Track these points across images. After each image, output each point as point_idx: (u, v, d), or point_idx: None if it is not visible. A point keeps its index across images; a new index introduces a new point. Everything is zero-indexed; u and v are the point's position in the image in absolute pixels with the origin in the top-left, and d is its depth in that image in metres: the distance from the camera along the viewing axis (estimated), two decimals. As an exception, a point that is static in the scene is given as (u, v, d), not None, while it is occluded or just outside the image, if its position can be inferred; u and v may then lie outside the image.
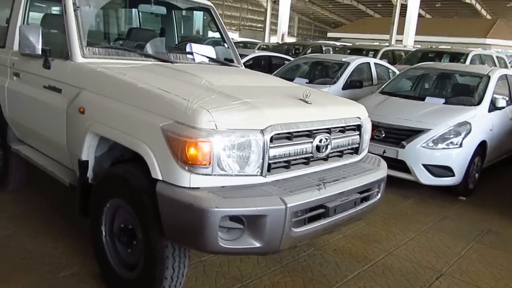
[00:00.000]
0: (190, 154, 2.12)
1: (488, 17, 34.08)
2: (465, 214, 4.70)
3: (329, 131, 2.68)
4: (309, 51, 14.89)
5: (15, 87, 3.57)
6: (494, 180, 6.03)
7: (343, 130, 2.81)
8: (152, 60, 3.28)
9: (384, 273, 3.29)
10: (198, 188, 2.16)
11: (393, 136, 5.04)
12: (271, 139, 2.31)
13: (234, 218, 2.15)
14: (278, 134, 2.35)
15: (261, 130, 2.28)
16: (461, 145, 4.88)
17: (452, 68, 6.68)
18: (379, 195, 2.91)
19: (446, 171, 4.89)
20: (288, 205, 2.18)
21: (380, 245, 3.77)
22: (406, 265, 3.44)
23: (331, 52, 14.82)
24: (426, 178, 4.90)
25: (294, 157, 2.48)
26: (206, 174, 2.16)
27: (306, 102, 2.65)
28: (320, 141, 2.60)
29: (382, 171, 2.94)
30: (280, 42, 20.98)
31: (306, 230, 2.35)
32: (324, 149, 2.64)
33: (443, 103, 5.54)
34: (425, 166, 4.86)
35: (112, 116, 2.54)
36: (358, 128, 2.92)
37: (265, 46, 17.17)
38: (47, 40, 3.12)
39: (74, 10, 3.04)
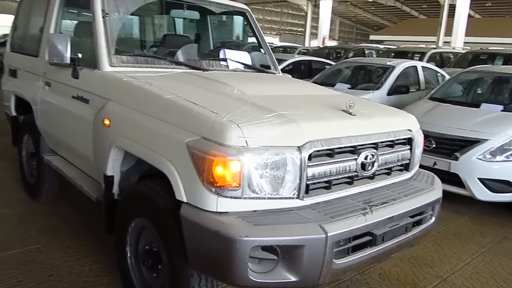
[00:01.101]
0: (217, 174, 1.89)
1: (544, 15, 32.05)
2: (529, 235, 4.21)
3: (376, 146, 2.37)
4: (351, 54, 14.39)
5: (46, 97, 3.48)
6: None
7: (391, 144, 2.49)
8: (183, 68, 3.09)
9: (437, 304, 2.92)
10: (226, 212, 1.92)
11: (445, 146, 4.61)
12: (310, 157, 2.04)
13: (267, 248, 1.89)
14: (318, 151, 2.08)
15: (298, 147, 2.01)
16: (523, 158, 4.39)
17: (510, 71, 6.12)
18: (433, 218, 2.56)
19: (506, 186, 4.40)
20: (329, 234, 1.90)
21: (432, 269, 3.39)
22: (463, 295, 3.05)
23: (374, 56, 14.27)
24: (483, 194, 4.43)
25: (336, 177, 2.19)
26: (235, 197, 1.92)
27: (350, 113, 2.35)
28: (366, 157, 2.30)
29: (436, 191, 2.59)
30: (321, 46, 20.54)
31: (350, 261, 2.05)
32: (370, 167, 2.33)
33: (501, 110, 5.03)
34: (481, 180, 4.40)
35: (136, 130, 2.36)
36: (409, 141, 2.59)
37: (305, 50, 16.82)
38: (78, 48, 3.01)
39: (103, 17, 2.90)
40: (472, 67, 6.87)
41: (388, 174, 2.52)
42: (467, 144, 4.50)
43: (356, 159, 2.26)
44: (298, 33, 38.95)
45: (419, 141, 2.67)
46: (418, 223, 2.46)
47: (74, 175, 3.24)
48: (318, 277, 1.95)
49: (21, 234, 3.60)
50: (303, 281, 1.93)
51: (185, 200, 1.99)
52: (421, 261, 3.51)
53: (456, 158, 4.47)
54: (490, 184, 4.40)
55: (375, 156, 2.34)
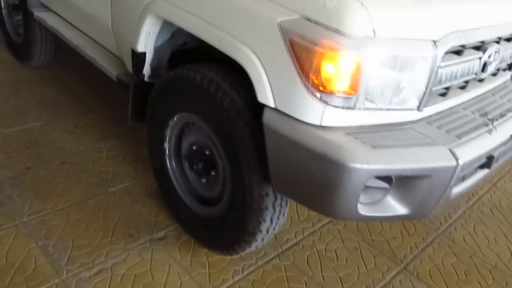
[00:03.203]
0: (328, 74, 1.33)
1: None
2: None
3: (499, 40, 1.81)
4: None
5: None
6: None
7: (510, 38, 1.93)
8: None
9: None
10: (330, 127, 1.42)
11: None
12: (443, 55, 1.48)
13: (381, 176, 1.45)
14: (453, 47, 1.52)
15: (434, 40, 1.44)
16: None
17: None
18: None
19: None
20: (460, 162, 1.45)
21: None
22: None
23: None
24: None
25: (458, 80, 1.68)
26: (347, 108, 1.40)
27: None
28: (490, 56, 1.76)
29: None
30: None
31: (463, 189, 1.66)
32: (490, 67, 1.81)
33: None
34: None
35: None
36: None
37: None
38: None
39: None
40: None
41: (494, 75, 2.01)
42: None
43: (480, 58, 1.73)
44: None
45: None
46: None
47: (82, 44, 2.57)
48: (431, 209, 1.56)
49: (16, 106, 3.03)
50: (413, 214, 1.54)
51: (271, 104, 1.46)
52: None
53: None
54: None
55: (497, 53, 1.81)
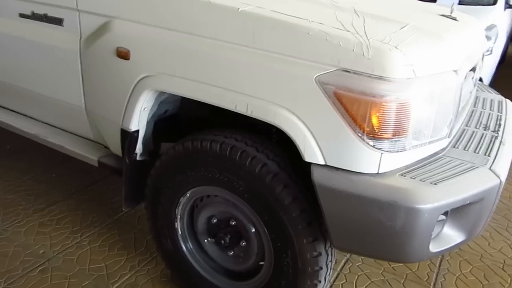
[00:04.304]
0: (381, 121, 1.31)
1: None
2: None
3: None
4: None
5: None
6: None
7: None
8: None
9: None
10: (385, 173, 1.39)
11: None
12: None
13: (442, 210, 1.44)
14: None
15: (455, 70, 1.50)
16: None
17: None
18: None
19: None
20: (502, 179, 1.51)
21: None
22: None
23: None
24: None
25: (464, 101, 1.77)
26: (400, 150, 1.38)
27: (455, 19, 1.87)
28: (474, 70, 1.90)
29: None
30: None
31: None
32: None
33: None
34: None
35: (201, 62, 1.56)
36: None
37: None
38: None
39: None
40: None
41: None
42: None
43: (473, 77, 1.85)
44: None
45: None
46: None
47: (42, 132, 2.28)
48: (481, 229, 1.59)
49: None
50: (468, 238, 1.56)
51: (321, 162, 1.40)
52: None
53: None
54: None
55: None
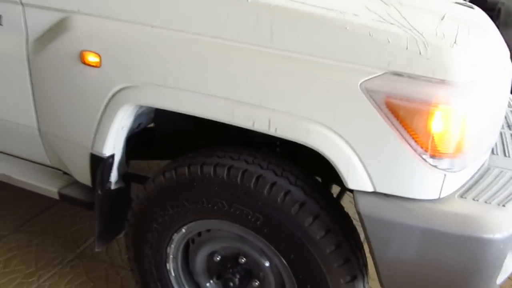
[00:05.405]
0: (446, 135, 1.06)
1: None
2: None
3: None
4: None
5: None
6: None
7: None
8: None
9: None
10: (445, 197, 1.14)
11: None
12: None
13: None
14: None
15: (504, 67, 1.29)
16: None
17: None
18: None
19: None
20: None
21: None
22: None
23: None
24: None
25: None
26: (461, 169, 1.14)
27: (472, 7, 1.67)
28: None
29: None
30: None
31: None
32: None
33: None
34: None
35: (203, 68, 1.21)
36: None
37: None
38: None
39: None
40: None
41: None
42: None
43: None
44: None
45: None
46: None
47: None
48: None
49: None
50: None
51: (369, 189, 1.12)
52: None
53: None
54: None
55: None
